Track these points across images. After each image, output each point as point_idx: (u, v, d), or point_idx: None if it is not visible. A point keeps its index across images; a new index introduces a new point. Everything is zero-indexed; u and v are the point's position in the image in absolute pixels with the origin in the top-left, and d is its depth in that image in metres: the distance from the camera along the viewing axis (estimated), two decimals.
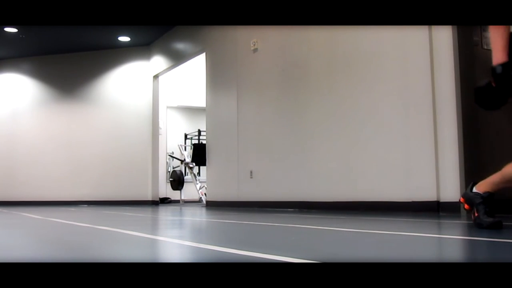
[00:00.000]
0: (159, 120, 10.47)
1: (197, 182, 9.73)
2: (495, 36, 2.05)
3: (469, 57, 4.32)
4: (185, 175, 10.07)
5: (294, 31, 6.03)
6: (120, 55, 10.28)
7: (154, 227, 3.28)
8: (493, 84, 2.08)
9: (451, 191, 4.10)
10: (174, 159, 10.60)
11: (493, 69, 2.07)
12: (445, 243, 1.90)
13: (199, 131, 11.26)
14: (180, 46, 9.18)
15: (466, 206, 2.40)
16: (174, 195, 10.47)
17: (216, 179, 7.59)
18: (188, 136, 11.66)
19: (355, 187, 5.02)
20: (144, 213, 5.33)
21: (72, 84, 10.33)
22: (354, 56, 5.16)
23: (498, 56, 2.06)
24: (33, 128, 10.30)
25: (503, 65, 2.04)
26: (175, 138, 11.31)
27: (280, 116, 6.22)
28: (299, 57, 5.95)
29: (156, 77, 10.18)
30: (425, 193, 4.30)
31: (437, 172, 4.21)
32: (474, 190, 2.36)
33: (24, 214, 5.33)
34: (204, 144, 8.83)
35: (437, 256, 1.71)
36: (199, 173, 10.58)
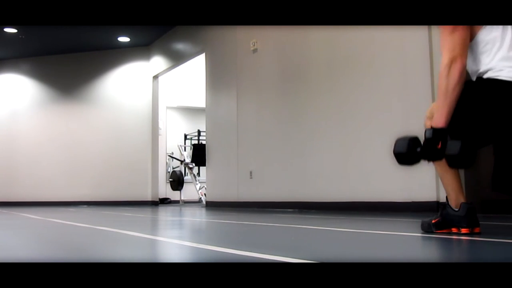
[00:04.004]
0: (159, 120, 10.47)
1: (197, 182, 9.73)
2: (448, 88, 1.89)
3: None
4: (184, 175, 10.06)
5: (294, 31, 6.02)
6: (120, 55, 10.28)
7: (153, 228, 3.27)
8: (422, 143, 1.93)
9: None
10: (174, 160, 10.59)
11: (426, 131, 1.93)
12: (445, 243, 1.90)
13: (199, 132, 11.25)
14: (180, 46, 9.18)
15: None
16: (174, 195, 10.47)
17: (216, 179, 7.59)
18: (187, 137, 11.66)
19: (355, 188, 5.02)
20: (143, 214, 5.32)
21: (72, 84, 10.33)
22: (354, 56, 5.16)
23: (439, 117, 1.92)
24: (32, 128, 10.29)
25: (437, 130, 1.90)
26: (174, 139, 11.30)
27: (280, 116, 6.21)
28: (299, 57, 5.95)
29: (155, 77, 10.18)
30: (425, 193, 4.30)
31: (437, 172, 4.21)
32: None
33: (23, 214, 5.33)
34: (204, 145, 8.83)
35: (437, 256, 1.71)
36: (198, 174, 10.58)
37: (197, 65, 9.50)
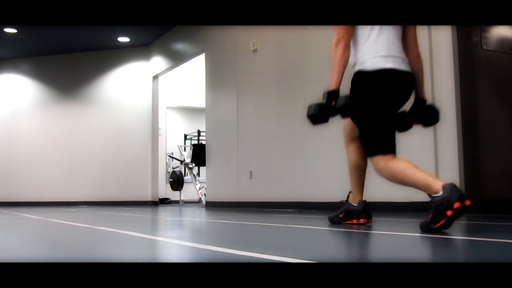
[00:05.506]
0: (159, 120, 10.46)
1: (197, 182, 9.73)
2: (335, 61, 2.46)
3: (469, 57, 4.32)
4: (184, 175, 10.07)
5: (294, 31, 6.02)
6: (120, 55, 10.27)
7: (153, 228, 3.27)
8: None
9: None
10: (174, 160, 10.59)
11: (324, 94, 2.60)
12: (445, 243, 1.90)
13: (199, 132, 11.25)
14: (180, 46, 9.18)
15: None
16: (174, 195, 10.47)
17: (216, 179, 7.59)
18: (187, 137, 11.66)
19: None
20: (143, 214, 5.32)
21: (72, 84, 10.33)
22: None
23: (332, 82, 2.56)
24: (32, 128, 10.29)
25: (330, 92, 2.56)
26: (174, 139, 11.30)
27: (280, 116, 6.21)
28: (299, 57, 5.95)
29: (155, 77, 10.18)
30: (424, 193, 4.29)
31: (437, 172, 4.21)
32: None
33: (23, 214, 5.33)
34: (204, 145, 8.83)
35: (437, 256, 1.71)
36: (198, 174, 10.58)
37: (197, 65, 9.50)
